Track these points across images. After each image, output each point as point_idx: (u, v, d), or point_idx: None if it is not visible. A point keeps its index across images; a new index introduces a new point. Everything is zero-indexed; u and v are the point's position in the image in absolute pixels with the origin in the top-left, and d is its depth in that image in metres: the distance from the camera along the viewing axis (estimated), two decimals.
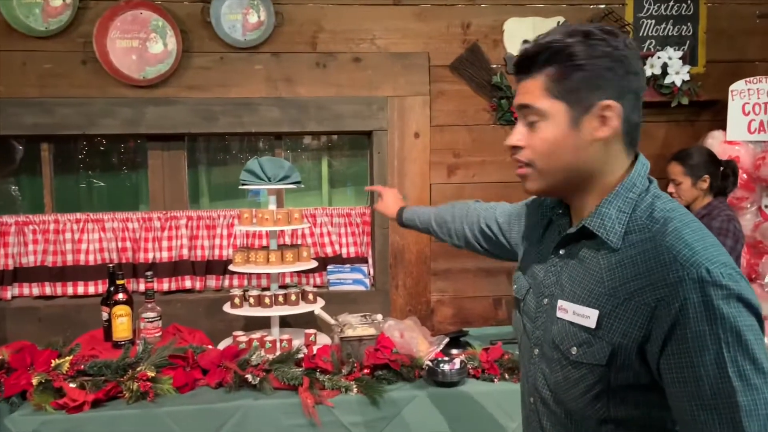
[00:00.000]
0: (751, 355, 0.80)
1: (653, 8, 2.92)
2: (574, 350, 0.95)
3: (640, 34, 2.93)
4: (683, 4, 2.93)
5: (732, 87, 2.72)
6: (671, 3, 2.93)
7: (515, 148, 1.00)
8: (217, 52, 2.74)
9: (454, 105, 2.91)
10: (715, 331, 0.80)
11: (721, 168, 2.46)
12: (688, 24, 2.95)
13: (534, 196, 1.23)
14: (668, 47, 2.84)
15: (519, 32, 2.88)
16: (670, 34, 2.95)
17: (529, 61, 0.96)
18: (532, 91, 0.96)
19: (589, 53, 0.92)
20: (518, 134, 1.00)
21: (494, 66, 2.89)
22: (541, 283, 1.07)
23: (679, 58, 2.78)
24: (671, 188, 2.51)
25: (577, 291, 0.97)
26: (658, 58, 2.79)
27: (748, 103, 2.70)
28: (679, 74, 2.77)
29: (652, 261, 0.87)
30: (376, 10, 2.82)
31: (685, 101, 2.80)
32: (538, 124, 0.97)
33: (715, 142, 2.71)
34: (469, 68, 2.89)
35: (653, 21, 2.93)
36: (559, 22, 2.88)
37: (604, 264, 0.94)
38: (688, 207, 2.50)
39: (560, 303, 0.99)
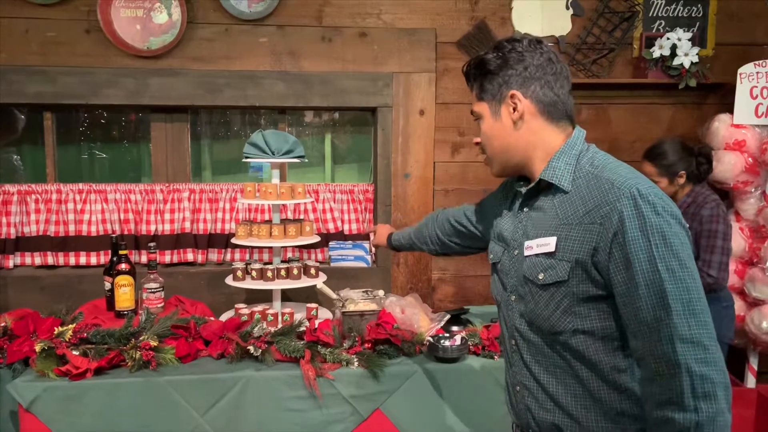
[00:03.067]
0: (676, 254, 1.01)
1: None
2: (540, 276, 1.16)
3: (650, 14, 2.90)
4: None
5: (741, 70, 2.69)
6: None
7: (478, 144, 1.31)
8: (222, 23, 2.71)
9: (460, 82, 2.88)
10: (646, 235, 1.02)
11: (696, 157, 2.45)
12: (699, 5, 2.92)
13: (499, 186, 1.50)
14: (678, 28, 2.81)
15: (527, 10, 2.85)
16: (680, 15, 2.91)
17: (467, 78, 1.30)
18: (472, 99, 1.29)
19: (495, 61, 1.22)
20: (479, 132, 1.30)
21: None
22: (511, 239, 1.28)
23: (689, 40, 2.75)
24: None
25: (538, 231, 1.20)
26: (668, 39, 2.75)
27: (756, 86, 2.68)
28: (687, 56, 2.74)
29: (595, 190, 1.11)
30: None
31: (692, 83, 2.77)
32: (479, 123, 1.28)
33: (721, 125, 2.69)
34: (476, 45, 2.85)
35: (663, 1, 2.90)
36: (568, 0, 2.84)
37: (558, 203, 1.17)
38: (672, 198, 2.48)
39: (526, 244, 1.21)
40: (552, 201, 1.19)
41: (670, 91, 2.88)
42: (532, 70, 1.20)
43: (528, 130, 1.21)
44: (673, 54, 2.76)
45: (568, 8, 2.86)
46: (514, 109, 1.21)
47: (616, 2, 2.85)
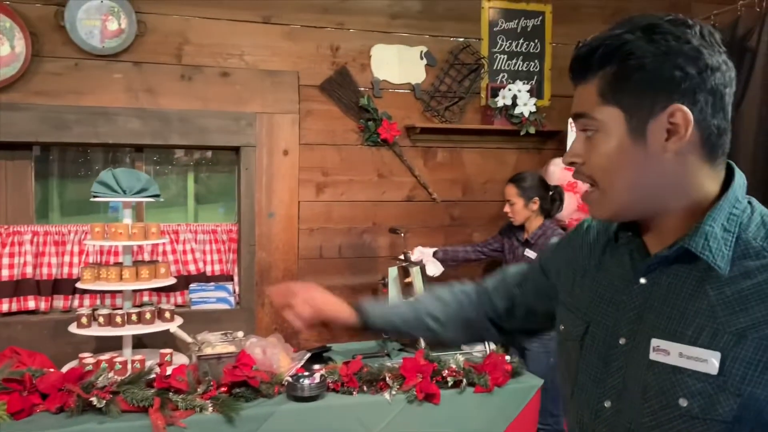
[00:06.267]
0: None
1: (505, 45, 3.19)
2: (683, 402, 0.77)
3: (494, 68, 3.19)
4: (531, 43, 3.24)
5: (570, 119, 3.02)
6: (521, 41, 3.22)
7: (573, 164, 0.86)
8: (72, 57, 2.60)
9: (322, 124, 2.97)
10: None
11: (550, 192, 2.76)
12: (536, 61, 3.26)
13: (570, 231, 1.08)
14: (518, 81, 3.11)
15: (385, 58, 3.02)
16: (520, 69, 3.23)
17: (583, 64, 0.83)
18: (587, 97, 0.83)
19: (651, 50, 0.77)
20: (576, 148, 0.85)
21: (362, 89, 3.00)
22: (614, 318, 0.88)
23: (527, 91, 3.06)
24: (507, 208, 2.78)
25: (679, 329, 0.79)
26: (509, 90, 3.04)
27: None
28: (527, 106, 3.04)
29: None
30: (244, 26, 2.82)
31: (532, 130, 3.08)
32: (594, 136, 0.83)
33: (556, 168, 2.99)
34: (338, 90, 2.97)
35: (505, 56, 3.20)
36: (422, 51, 3.05)
37: (715, 296, 0.77)
38: (522, 227, 2.77)
39: (656, 342, 0.81)
40: (701, 286, 0.79)
41: (513, 137, 3.16)
42: (707, 77, 0.77)
43: (679, 167, 0.80)
44: (515, 104, 3.04)
45: (422, 58, 3.06)
46: (671, 133, 0.78)
47: (464, 55, 3.10)
